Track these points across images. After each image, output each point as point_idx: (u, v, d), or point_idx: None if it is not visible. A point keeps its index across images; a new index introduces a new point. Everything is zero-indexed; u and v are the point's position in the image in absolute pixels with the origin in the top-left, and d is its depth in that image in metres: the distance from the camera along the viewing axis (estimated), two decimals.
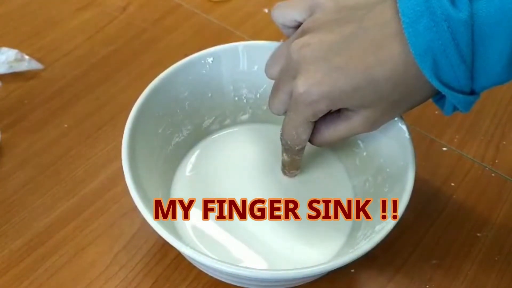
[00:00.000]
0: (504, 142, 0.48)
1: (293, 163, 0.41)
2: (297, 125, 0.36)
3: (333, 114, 0.36)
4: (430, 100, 0.52)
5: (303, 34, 0.34)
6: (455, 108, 0.33)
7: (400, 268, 0.41)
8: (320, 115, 0.35)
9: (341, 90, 0.32)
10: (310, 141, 0.38)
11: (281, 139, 0.39)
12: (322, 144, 0.38)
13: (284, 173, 0.43)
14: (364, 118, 0.34)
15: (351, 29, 0.32)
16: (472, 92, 0.32)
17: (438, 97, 0.34)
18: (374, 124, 0.35)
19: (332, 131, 0.36)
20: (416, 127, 0.49)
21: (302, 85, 0.33)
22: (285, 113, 0.37)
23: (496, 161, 0.47)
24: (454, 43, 0.29)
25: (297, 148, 0.38)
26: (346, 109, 0.35)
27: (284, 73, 0.36)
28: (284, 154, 0.40)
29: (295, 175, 0.43)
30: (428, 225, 0.43)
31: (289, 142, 0.38)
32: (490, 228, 0.43)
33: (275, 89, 0.37)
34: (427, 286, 0.40)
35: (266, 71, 0.38)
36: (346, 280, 0.40)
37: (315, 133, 0.37)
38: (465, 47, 0.29)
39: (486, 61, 0.30)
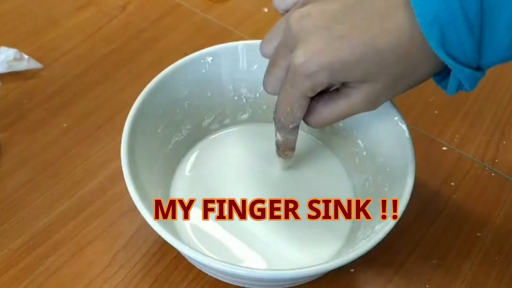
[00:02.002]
0: (504, 142, 0.48)
1: (287, 143, 0.39)
2: (293, 100, 0.34)
3: (331, 92, 0.34)
4: (430, 99, 0.52)
5: (303, 5, 0.32)
6: (459, 86, 0.32)
7: (400, 268, 0.40)
8: (319, 90, 0.33)
9: (343, 60, 0.31)
10: (306, 121, 0.36)
11: (274, 117, 0.37)
12: (318, 125, 0.36)
13: (279, 154, 0.41)
14: (365, 94, 0.33)
15: None
16: (478, 68, 0.30)
17: (441, 77, 0.33)
18: (375, 102, 0.33)
19: (330, 110, 0.34)
20: (416, 127, 0.49)
21: (301, 55, 0.31)
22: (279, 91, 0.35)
23: (496, 160, 0.47)
24: (463, 13, 0.28)
25: (290, 126, 0.36)
26: (346, 86, 0.33)
27: (281, 47, 0.34)
28: (278, 134, 0.38)
29: (290, 157, 0.41)
30: (428, 224, 0.43)
31: (282, 120, 0.36)
32: (490, 227, 0.43)
33: (271, 65, 0.35)
34: (427, 286, 0.40)
35: (261, 48, 0.36)
36: (346, 280, 0.40)
37: (311, 112, 0.35)
38: (474, 18, 0.28)
39: (495, 34, 0.29)
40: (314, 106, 0.35)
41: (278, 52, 0.34)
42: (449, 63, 0.30)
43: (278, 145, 0.40)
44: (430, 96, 0.51)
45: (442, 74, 0.32)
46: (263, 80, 0.36)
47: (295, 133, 0.38)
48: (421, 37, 0.29)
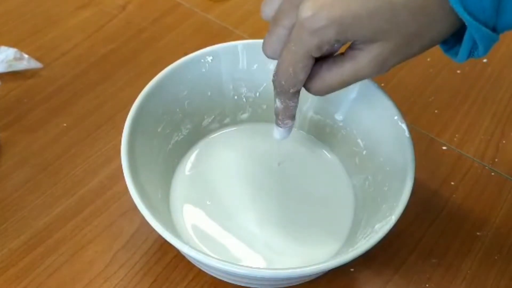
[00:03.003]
0: (503, 141, 0.48)
1: (287, 110, 0.36)
2: (296, 60, 0.31)
3: (335, 56, 0.32)
4: (430, 99, 0.52)
5: None
6: (471, 52, 0.30)
7: (399, 267, 0.41)
8: (325, 48, 0.30)
9: (354, 14, 0.29)
10: (307, 87, 0.34)
11: (274, 80, 0.34)
12: (321, 91, 0.33)
13: (278, 124, 0.37)
14: (373, 56, 0.30)
15: None
16: (494, 30, 0.29)
17: (450, 45, 0.32)
18: (383, 65, 0.31)
19: (334, 74, 0.32)
20: (416, 126, 0.49)
21: (309, 8, 0.29)
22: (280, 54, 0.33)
23: (496, 160, 0.47)
24: None
25: (292, 90, 0.33)
26: (352, 48, 0.31)
27: (285, 3, 0.31)
28: (277, 100, 0.35)
29: (289, 126, 0.37)
30: (427, 224, 0.43)
31: (283, 82, 0.33)
32: (489, 227, 0.43)
33: (273, 25, 0.32)
34: (427, 285, 0.40)
35: (263, 8, 0.33)
36: (345, 279, 0.40)
37: (314, 77, 0.33)
38: None
39: None
40: (317, 71, 0.33)
41: (282, 9, 0.31)
42: (467, 19, 0.28)
43: (277, 113, 0.37)
44: (430, 96, 0.51)
45: (451, 42, 0.31)
46: (263, 42, 0.33)
47: (296, 99, 0.35)
48: None
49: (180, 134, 0.43)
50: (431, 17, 0.29)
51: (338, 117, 0.44)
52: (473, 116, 0.50)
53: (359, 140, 0.42)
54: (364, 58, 0.31)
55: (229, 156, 0.44)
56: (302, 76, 0.32)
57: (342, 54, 0.32)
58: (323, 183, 0.43)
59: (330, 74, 0.32)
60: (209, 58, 0.42)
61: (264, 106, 0.45)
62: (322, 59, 0.32)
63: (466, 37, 0.30)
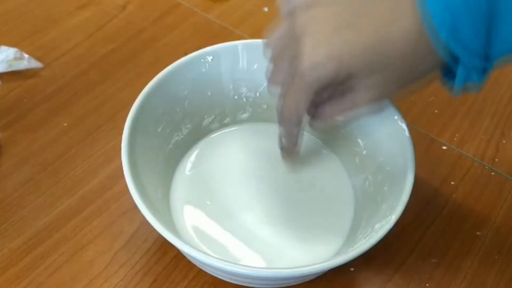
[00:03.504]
0: (503, 141, 0.48)
1: (291, 138, 0.38)
2: (299, 93, 0.33)
3: (335, 89, 0.34)
4: (430, 99, 0.52)
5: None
6: (465, 84, 0.31)
7: (399, 267, 0.41)
8: (325, 82, 0.32)
9: (350, 51, 0.30)
10: (311, 120, 0.36)
11: (278, 110, 0.36)
12: (322, 123, 0.36)
13: (282, 150, 0.40)
14: (370, 87, 0.32)
15: None
16: (486, 59, 0.30)
17: (448, 78, 0.33)
18: (380, 96, 0.33)
19: (335, 105, 0.34)
20: (416, 126, 0.49)
21: (308, 45, 0.31)
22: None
23: (496, 160, 0.47)
24: (473, 1, 0.28)
25: (295, 120, 0.35)
26: (351, 79, 0.32)
27: (286, 40, 0.33)
28: (282, 130, 0.38)
29: (295, 158, 0.40)
30: (427, 223, 0.43)
31: (287, 113, 0.35)
32: (490, 226, 0.43)
33: (275, 58, 0.35)
34: (427, 285, 0.40)
35: (265, 42, 0.36)
36: (346, 279, 0.40)
37: (316, 108, 0.35)
38: (484, 4, 0.28)
39: (506, 21, 0.28)
40: (319, 104, 0.34)
41: (283, 45, 0.34)
42: (459, 51, 0.29)
43: (282, 147, 0.40)
44: (430, 96, 0.51)
45: (447, 76, 0.32)
46: (268, 74, 0.35)
47: (299, 127, 0.37)
48: (432, 26, 0.29)
49: (180, 134, 0.43)
50: (423, 49, 0.30)
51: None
52: (473, 116, 0.50)
53: (359, 140, 0.43)
54: (361, 90, 0.33)
55: (229, 156, 0.44)
56: (304, 107, 0.34)
57: (342, 87, 0.33)
58: (323, 182, 0.43)
59: (331, 105, 0.34)
60: (209, 58, 0.43)
61: (264, 106, 0.45)
62: (323, 93, 0.34)
63: (459, 69, 0.31)
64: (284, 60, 0.34)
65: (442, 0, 0.28)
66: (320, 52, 0.31)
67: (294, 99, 0.34)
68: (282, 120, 0.37)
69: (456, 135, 0.49)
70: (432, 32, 0.29)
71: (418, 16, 0.29)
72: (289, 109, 0.35)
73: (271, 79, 0.36)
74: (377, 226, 0.35)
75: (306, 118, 0.36)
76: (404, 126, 0.39)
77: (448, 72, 0.32)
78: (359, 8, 0.31)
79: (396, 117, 0.39)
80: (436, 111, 0.50)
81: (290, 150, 0.40)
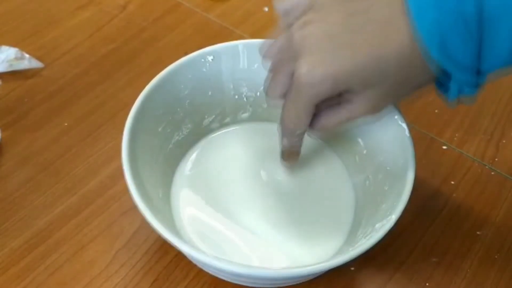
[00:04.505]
0: (504, 141, 0.48)
1: (293, 149, 0.40)
2: (299, 108, 0.34)
3: (333, 99, 0.35)
4: (430, 99, 0.52)
5: (304, 13, 0.33)
6: (459, 96, 0.32)
7: (400, 266, 0.41)
8: (323, 97, 0.33)
9: (346, 69, 0.31)
10: (310, 128, 0.37)
11: (281, 123, 0.37)
12: (322, 131, 0.37)
13: (284, 159, 0.42)
14: (366, 100, 0.33)
15: (357, 7, 0.31)
16: (478, 73, 0.31)
17: (442, 90, 0.33)
18: (376, 108, 0.34)
19: (332, 116, 0.35)
20: (416, 126, 0.49)
21: (304, 65, 0.32)
22: (283, 96, 0.36)
23: (496, 159, 0.47)
24: (462, 18, 0.28)
25: (297, 132, 0.37)
26: (347, 92, 0.34)
27: (284, 53, 0.34)
28: (284, 139, 0.39)
29: (294, 162, 0.42)
30: (428, 223, 0.43)
31: (288, 126, 0.37)
32: (490, 226, 0.43)
33: (274, 71, 0.36)
34: (427, 284, 0.40)
35: (261, 50, 0.37)
36: (346, 278, 0.40)
37: (315, 119, 0.36)
38: (473, 23, 0.28)
39: (494, 40, 0.29)
40: (317, 113, 0.35)
41: (281, 58, 0.35)
42: (450, 68, 0.30)
43: (283, 151, 0.41)
44: (430, 95, 0.51)
45: (444, 86, 0.33)
46: (266, 86, 0.37)
47: (301, 139, 0.38)
48: (423, 44, 0.30)
49: (180, 133, 0.43)
50: (416, 67, 0.31)
51: None
52: (473, 115, 0.50)
53: (359, 139, 0.43)
54: (358, 101, 0.34)
55: (229, 156, 0.45)
56: (305, 121, 0.35)
57: (339, 96, 0.34)
58: (323, 182, 0.43)
59: (328, 116, 0.36)
60: (210, 58, 0.43)
61: (265, 106, 0.45)
62: (322, 103, 0.34)
63: (452, 83, 0.32)
64: (282, 73, 0.35)
65: (431, 18, 0.29)
66: (316, 73, 0.32)
67: (295, 114, 0.35)
68: (284, 132, 0.38)
69: (456, 134, 0.49)
70: (423, 49, 0.30)
71: (411, 33, 0.30)
72: (291, 122, 0.36)
73: (269, 91, 0.37)
74: (377, 225, 0.35)
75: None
76: (404, 125, 0.39)
77: (441, 85, 0.33)
78: (354, 24, 0.31)
79: (396, 117, 0.39)
80: (436, 111, 0.50)
81: (291, 158, 0.41)
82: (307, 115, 0.35)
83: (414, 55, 0.30)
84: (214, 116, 0.45)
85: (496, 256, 0.41)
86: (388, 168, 0.39)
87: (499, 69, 0.31)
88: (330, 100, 0.35)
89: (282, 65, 0.35)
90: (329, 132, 0.37)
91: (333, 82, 0.32)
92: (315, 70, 0.32)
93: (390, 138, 0.40)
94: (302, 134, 0.38)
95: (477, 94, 0.32)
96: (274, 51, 0.36)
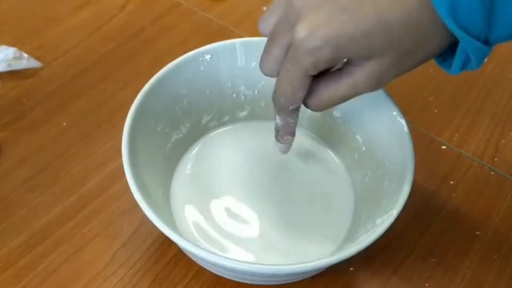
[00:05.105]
0: (503, 141, 0.48)
1: (287, 127, 0.37)
2: (294, 79, 0.32)
3: (333, 72, 0.33)
4: (430, 99, 0.52)
5: None
6: (464, 64, 0.31)
7: (399, 266, 0.40)
8: (322, 67, 0.31)
9: (349, 34, 0.29)
10: (306, 104, 0.34)
11: (273, 98, 0.35)
12: (319, 107, 0.34)
13: (278, 140, 0.38)
14: (369, 72, 0.31)
15: None
16: (487, 42, 0.29)
17: (444, 57, 0.32)
18: (379, 81, 0.32)
19: (332, 90, 0.33)
20: (416, 126, 0.49)
21: (304, 28, 0.29)
22: (276, 73, 0.33)
23: (496, 159, 0.47)
24: None
25: (291, 107, 0.34)
26: (349, 64, 0.32)
27: (282, 23, 0.32)
28: (277, 117, 0.36)
29: (289, 142, 0.39)
30: (427, 223, 0.43)
31: (282, 101, 0.34)
32: (489, 226, 0.43)
33: (269, 44, 0.33)
34: (426, 284, 0.40)
35: (260, 25, 0.34)
36: (345, 278, 0.40)
37: (312, 93, 0.33)
38: None
39: (506, 4, 0.28)
40: (315, 87, 0.33)
41: (278, 28, 0.32)
42: (459, 34, 0.28)
43: (277, 129, 0.38)
44: (429, 95, 0.51)
45: (445, 54, 0.32)
46: (260, 60, 0.34)
47: (296, 116, 0.36)
48: (431, 8, 0.28)
49: (179, 132, 0.43)
50: (424, 34, 0.30)
51: (337, 113, 0.44)
52: (473, 115, 0.50)
53: (358, 136, 0.43)
54: (361, 74, 0.31)
55: (228, 154, 0.44)
56: (300, 94, 0.33)
57: (340, 70, 0.32)
58: (322, 179, 0.43)
59: (328, 90, 0.33)
60: (208, 56, 0.43)
61: (263, 104, 0.45)
62: (320, 76, 0.32)
63: (459, 50, 0.30)
64: (279, 45, 0.32)
65: None
66: (316, 36, 0.29)
67: (290, 86, 0.33)
68: (277, 107, 0.35)
69: (456, 134, 0.49)
70: (433, 14, 0.28)
71: None
72: (284, 97, 0.34)
73: (263, 66, 0.34)
74: (378, 221, 0.35)
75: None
76: (403, 121, 0.39)
77: (444, 59, 0.32)
78: None
79: (394, 113, 0.39)
80: (436, 110, 0.50)
81: (286, 140, 0.38)
82: (302, 88, 0.32)
83: (423, 21, 0.29)
84: (212, 114, 0.45)
85: (495, 256, 0.41)
86: (387, 164, 0.39)
87: (508, 40, 0.30)
88: (329, 75, 0.33)
89: (279, 35, 0.32)
90: (325, 110, 0.35)
91: (333, 47, 0.29)
92: (315, 33, 0.29)
93: (388, 134, 0.40)
94: (296, 110, 0.35)
95: (482, 63, 0.30)
96: (271, 22, 0.33)
